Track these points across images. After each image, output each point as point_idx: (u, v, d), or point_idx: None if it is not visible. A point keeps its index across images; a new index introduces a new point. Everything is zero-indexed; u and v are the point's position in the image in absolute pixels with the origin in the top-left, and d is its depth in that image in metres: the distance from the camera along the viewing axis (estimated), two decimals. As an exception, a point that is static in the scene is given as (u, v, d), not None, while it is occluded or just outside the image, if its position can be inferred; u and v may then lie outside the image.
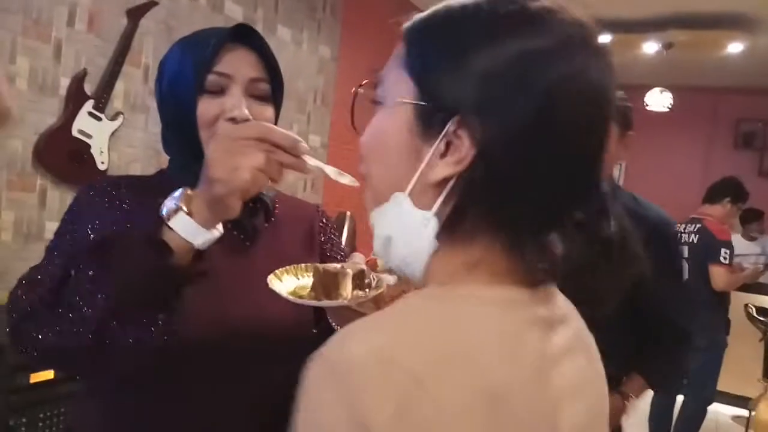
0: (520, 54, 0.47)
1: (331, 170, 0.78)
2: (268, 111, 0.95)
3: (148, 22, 2.81)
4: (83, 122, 2.55)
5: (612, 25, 4.96)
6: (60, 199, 2.50)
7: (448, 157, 0.48)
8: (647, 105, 5.76)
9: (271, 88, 0.97)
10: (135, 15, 2.75)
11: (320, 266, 0.83)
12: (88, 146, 2.57)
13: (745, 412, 4.29)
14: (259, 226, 0.98)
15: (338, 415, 0.41)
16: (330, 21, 4.11)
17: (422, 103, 0.49)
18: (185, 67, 0.91)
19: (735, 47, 4.95)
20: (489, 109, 0.47)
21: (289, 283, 0.85)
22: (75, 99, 2.52)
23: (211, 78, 0.90)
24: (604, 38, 5.10)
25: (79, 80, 2.53)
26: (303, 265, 0.89)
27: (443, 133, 0.48)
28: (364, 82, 0.58)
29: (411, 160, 0.50)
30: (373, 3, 4.55)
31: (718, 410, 4.47)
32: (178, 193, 0.77)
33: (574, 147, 0.49)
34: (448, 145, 0.48)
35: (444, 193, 0.49)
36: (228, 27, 0.95)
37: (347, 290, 0.81)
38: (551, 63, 0.47)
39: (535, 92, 0.46)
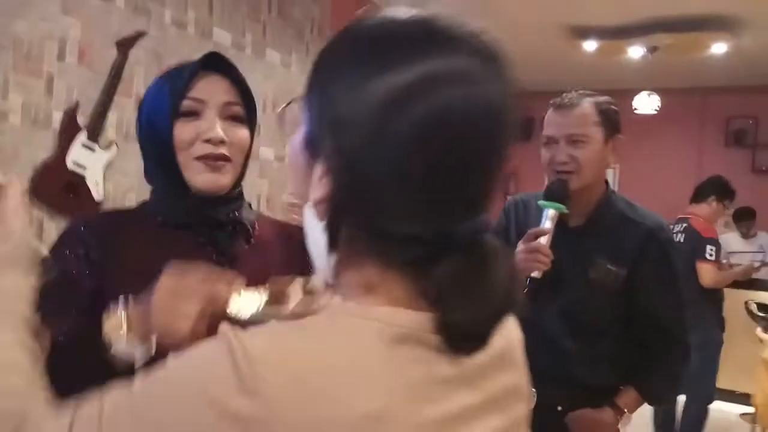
0: (377, 99, 0.48)
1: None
2: (243, 132, 0.99)
3: (138, 52, 2.84)
4: (77, 154, 2.57)
5: (597, 32, 5.03)
6: (57, 230, 2.51)
7: (323, 180, 0.51)
8: (636, 109, 5.81)
9: (246, 111, 1.00)
10: (124, 46, 2.78)
11: (275, 278, 0.84)
12: (83, 178, 2.59)
13: (751, 409, 4.28)
14: (239, 249, 1.00)
15: (203, 377, 0.47)
16: (318, 42, 4.16)
17: (308, 129, 0.53)
18: (162, 96, 0.95)
19: (719, 48, 5.01)
20: (341, 149, 0.50)
21: (250, 302, 0.85)
22: (68, 131, 2.54)
23: (186, 103, 0.94)
24: (590, 45, 5.16)
25: (71, 112, 2.55)
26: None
27: (318, 158, 0.52)
28: (287, 104, 0.62)
29: (308, 178, 0.53)
30: (360, 22, 4.61)
31: (724, 409, 4.45)
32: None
33: (428, 186, 0.49)
34: (323, 172, 0.52)
35: (324, 211, 0.53)
36: (201, 57, 0.99)
37: (296, 298, 0.81)
38: (408, 106, 0.47)
39: (389, 139, 0.47)
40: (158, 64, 2.95)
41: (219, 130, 0.93)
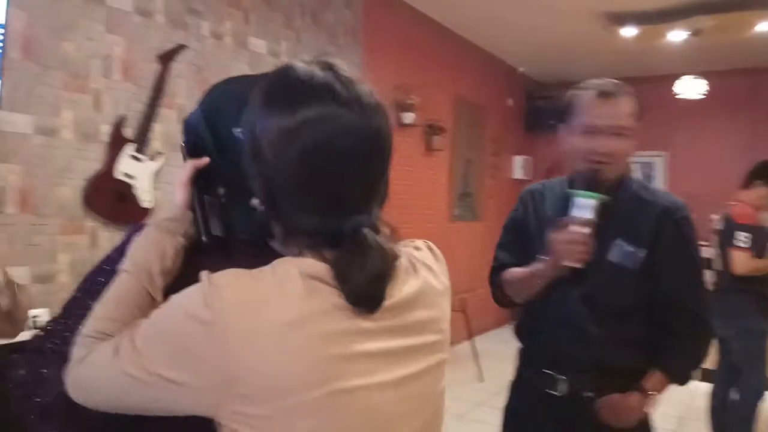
0: (273, 136, 0.72)
1: None
2: None
3: (179, 65, 2.97)
4: (126, 165, 2.71)
5: (636, 18, 4.93)
6: (110, 239, 2.66)
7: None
8: (677, 94, 5.66)
9: None
10: (166, 59, 2.92)
11: None
12: (131, 187, 2.73)
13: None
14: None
15: (184, 299, 0.71)
16: (351, 45, 4.24)
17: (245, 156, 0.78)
18: None
19: (765, 26, 4.84)
20: (259, 170, 0.75)
21: None
22: (116, 143, 2.69)
23: None
24: (629, 31, 5.07)
25: (118, 126, 2.70)
26: None
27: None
28: None
29: None
30: (392, 24, 4.66)
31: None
32: None
33: (315, 193, 0.72)
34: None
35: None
36: None
37: None
38: (293, 140, 0.71)
39: (284, 163, 0.71)
40: (199, 76, 3.07)
41: None
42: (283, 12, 3.66)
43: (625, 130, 1.49)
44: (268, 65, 3.52)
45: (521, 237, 1.62)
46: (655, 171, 7.22)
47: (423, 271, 0.82)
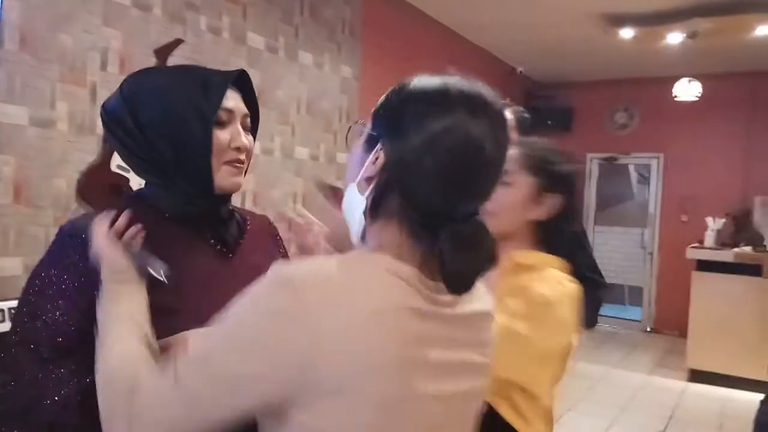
0: (423, 135, 0.77)
1: None
2: (251, 140, 1.10)
3: (176, 59, 2.97)
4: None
5: (634, 20, 4.94)
6: (104, 231, 2.67)
7: (372, 165, 0.81)
8: (676, 96, 5.68)
9: (252, 122, 1.13)
10: (163, 54, 2.92)
11: None
12: (127, 180, 2.74)
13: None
14: (238, 242, 1.11)
15: (265, 289, 0.74)
16: (350, 42, 4.24)
17: (370, 133, 0.84)
18: (198, 103, 1.02)
19: (763, 30, 4.86)
20: (397, 150, 0.79)
21: None
22: (112, 137, 2.70)
23: (220, 113, 1.04)
24: (628, 33, 5.08)
25: (114, 119, 2.70)
26: None
27: (374, 151, 0.81)
28: (353, 123, 0.92)
29: (360, 165, 0.83)
30: (391, 21, 4.67)
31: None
32: None
33: (446, 177, 0.77)
34: (376, 159, 0.80)
35: (370, 187, 0.82)
36: (232, 72, 1.08)
37: None
38: (437, 142, 0.76)
39: (428, 155, 0.76)
40: (195, 70, 3.07)
41: (245, 139, 1.06)
42: (282, 7, 3.66)
43: None
44: (265, 61, 3.53)
45: None
46: (651, 172, 7.24)
47: (483, 289, 0.86)
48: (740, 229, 5.78)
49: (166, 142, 1.01)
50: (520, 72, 6.68)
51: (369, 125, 0.84)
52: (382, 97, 0.85)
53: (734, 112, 6.52)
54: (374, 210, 0.81)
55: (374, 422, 0.71)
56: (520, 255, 1.26)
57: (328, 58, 4.04)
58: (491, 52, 6.23)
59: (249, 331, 0.72)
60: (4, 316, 2.08)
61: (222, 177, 1.04)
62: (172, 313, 0.92)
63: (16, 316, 0.98)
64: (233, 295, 0.79)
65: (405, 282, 0.74)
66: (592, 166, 7.42)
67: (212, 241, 1.06)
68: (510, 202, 1.27)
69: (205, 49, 3.16)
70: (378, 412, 0.71)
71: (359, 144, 0.84)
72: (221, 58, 3.24)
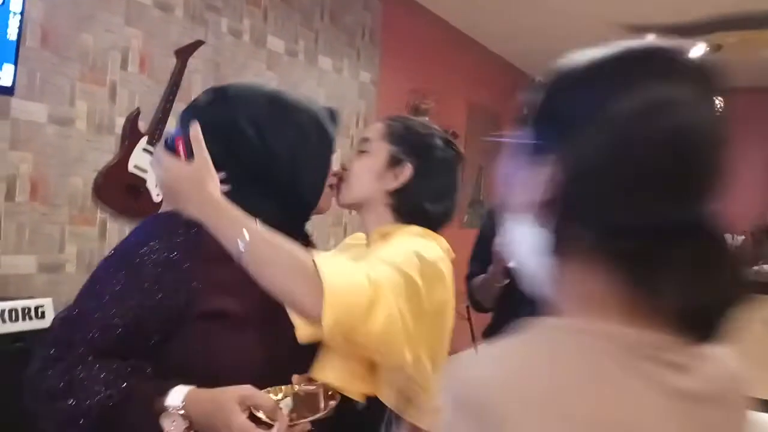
0: (622, 117, 0.54)
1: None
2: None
3: (196, 61, 2.96)
4: (139, 158, 2.70)
5: (656, 31, 4.86)
6: (119, 231, 2.65)
7: (543, 184, 0.56)
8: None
9: None
10: (183, 55, 2.91)
11: (296, 387, 0.92)
12: (144, 181, 2.72)
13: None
14: None
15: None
16: (369, 48, 4.22)
17: (533, 142, 0.60)
18: (326, 127, 1.12)
19: (787, 45, 4.79)
20: (578, 156, 0.55)
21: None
22: (130, 137, 2.68)
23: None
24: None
25: (133, 119, 2.69)
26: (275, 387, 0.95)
27: (540, 164, 0.57)
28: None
29: (523, 187, 0.59)
30: (411, 28, 4.65)
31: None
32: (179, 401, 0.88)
33: (657, 178, 0.53)
34: (548, 175, 0.56)
35: (545, 215, 0.56)
36: (331, 110, 1.18)
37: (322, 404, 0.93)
38: (648, 123, 0.53)
39: (636, 146, 0.53)
40: (216, 72, 3.06)
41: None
42: (302, 11, 3.65)
43: None
44: (285, 64, 3.51)
45: (488, 248, 1.74)
46: (668, 186, 7.16)
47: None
48: (759, 246, 5.70)
49: (291, 163, 1.05)
50: (538, 81, 6.63)
51: (522, 134, 0.62)
52: (528, 93, 0.65)
53: (755, 127, 6.42)
54: (559, 246, 0.56)
55: None
56: (380, 228, 1.19)
57: (347, 63, 4.02)
58: (509, 61, 6.19)
59: None
60: (19, 314, 2.06)
61: (325, 198, 1.13)
62: (239, 322, 0.90)
63: (81, 292, 0.97)
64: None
65: (648, 362, 0.51)
66: (608, 178, 7.35)
67: None
68: (366, 170, 1.21)
69: (226, 51, 3.15)
70: None
71: (515, 160, 0.61)
72: (241, 61, 3.22)
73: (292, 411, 0.88)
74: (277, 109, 1.06)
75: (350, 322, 0.89)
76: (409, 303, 0.96)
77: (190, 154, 0.96)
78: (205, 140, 1.00)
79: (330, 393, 0.93)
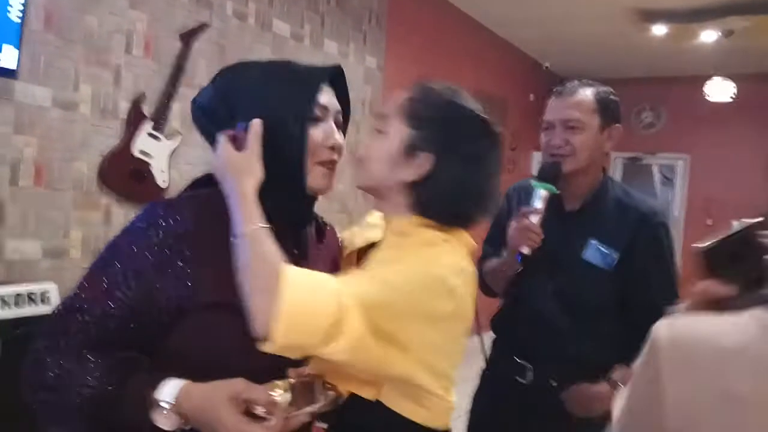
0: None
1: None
2: (341, 138, 1.05)
3: (201, 45, 2.93)
4: (143, 142, 2.68)
5: (667, 16, 4.81)
6: (124, 216, 2.63)
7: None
8: (707, 95, 5.53)
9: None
10: (188, 38, 2.88)
11: (293, 380, 0.89)
12: (149, 165, 2.70)
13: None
14: (312, 247, 1.09)
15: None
16: (375, 32, 4.17)
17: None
18: (293, 100, 0.98)
19: (801, 30, 4.71)
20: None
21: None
22: (135, 121, 2.66)
23: (315, 110, 1.00)
24: (660, 29, 4.95)
25: (137, 103, 2.67)
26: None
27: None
28: None
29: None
30: (418, 12, 4.59)
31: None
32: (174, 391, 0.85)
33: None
34: None
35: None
36: (327, 67, 1.04)
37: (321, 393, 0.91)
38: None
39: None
40: (220, 56, 3.03)
41: (339, 138, 1.02)
42: (308, -5, 3.60)
43: (577, 122, 1.56)
44: (290, 48, 3.47)
45: (504, 231, 1.65)
46: (675, 174, 7.10)
47: None
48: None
49: (262, 139, 0.98)
50: (546, 68, 6.57)
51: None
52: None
53: (765, 114, 6.35)
54: None
55: None
56: (397, 222, 1.06)
57: (353, 47, 3.98)
58: (517, 47, 6.12)
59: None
60: (23, 299, 2.05)
61: (314, 178, 1.00)
62: (239, 313, 0.87)
63: (80, 281, 0.95)
64: None
65: None
66: (616, 165, 7.29)
67: (289, 243, 1.00)
68: (380, 155, 1.04)
69: (231, 34, 3.11)
70: None
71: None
72: (246, 45, 3.19)
73: (290, 404, 0.86)
74: (246, 79, 1.01)
75: (304, 346, 0.87)
76: (394, 322, 0.91)
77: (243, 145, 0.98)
78: (205, 133, 1.03)
79: (328, 385, 0.92)
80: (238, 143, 0.97)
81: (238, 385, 0.84)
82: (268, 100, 0.98)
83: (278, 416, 0.84)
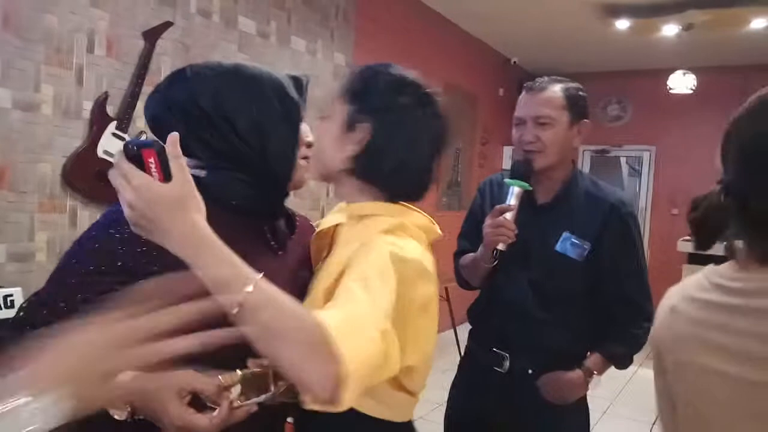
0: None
1: None
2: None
3: (165, 43, 2.90)
4: (108, 143, 2.65)
5: (630, 10, 4.90)
6: (90, 217, 2.61)
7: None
8: (671, 88, 5.65)
9: None
10: (151, 36, 2.85)
11: (247, 372, 0.89)
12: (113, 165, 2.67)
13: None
14: (288, 238, 1.13)
15: None
16: (343, 28, 4.17)
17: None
18: (284, 101, 1.05)
19: (759, 23, 4.83)
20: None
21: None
22: (98, 121, 2.63)
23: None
24: (623, 24, 5.04)
25: (101, 103, 2.64)
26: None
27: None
28: None
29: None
30: (385, 8, 4.60)
31: None
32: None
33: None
34: None
35: None
36: (295, 77, 1.11)
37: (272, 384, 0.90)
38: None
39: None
40: (185, 54, 3.01)
41: (312, 134, 1.11)
42: (274, -8, 3.59)
43: (547, 119, 1.59)
44: (256, 46, 3.46)
45: (479, 225, 1.68)
46: (642, 165, 7.24)
47: None
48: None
49: (256, 136, 1.01)
50: (514, 62, 6.63)
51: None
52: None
53: (727, 105, 6.46)
54: None
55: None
56: (356, 206, 1.05)
57: (321, 44, 3.98)
58: (486, 42, 6.17)
59: None
60: (-14, 304, 2.02)
61: (300, 171, 1.08)
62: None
63: (48, 279, 0.96)
64: (282, 289, 0.77)
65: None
66: (584, 158, 7.40)
67: (268, 235, 1.07)
68: (324, 137, 1.05)
69: (195, 32, 3.09)
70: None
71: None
72: (211, 43, 3.17)
73: (240, 394, 0.87)
74: (235, 82, 1.02)
75: (366, 385, 0.81)
76: (402, 321, 0.88)
77: (164, 170, 0.74)
78: (166, 125, 0.95)
79: (280, 374, 0.90)
80: (150, 169, 0.74)
81: (185, 376, 0.84)
82: (264, 98, 1.03)
83: (224, 406, 0.84)
